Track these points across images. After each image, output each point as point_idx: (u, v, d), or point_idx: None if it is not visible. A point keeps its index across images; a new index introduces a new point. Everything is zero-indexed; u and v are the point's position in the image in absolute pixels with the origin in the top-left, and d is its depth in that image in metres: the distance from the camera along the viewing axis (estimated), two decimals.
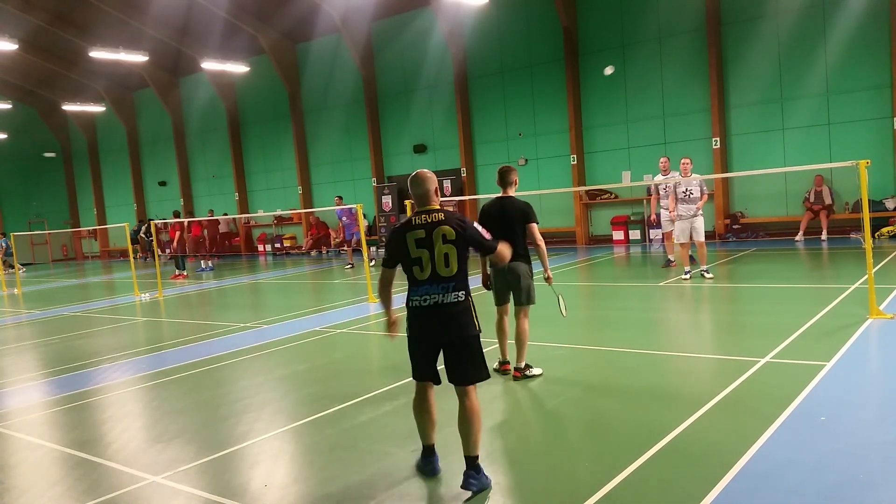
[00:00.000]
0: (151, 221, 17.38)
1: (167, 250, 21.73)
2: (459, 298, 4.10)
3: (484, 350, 4.22)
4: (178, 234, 20.10)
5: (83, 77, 29.36)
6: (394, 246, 4.18)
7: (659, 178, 13.26)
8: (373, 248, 22.46)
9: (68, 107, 29.33)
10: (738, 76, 17.21)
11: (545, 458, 4.50)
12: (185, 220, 20.54)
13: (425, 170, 4.31)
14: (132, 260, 17.77)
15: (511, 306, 6.36)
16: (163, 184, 31.47)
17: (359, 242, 17.95)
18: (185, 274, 20.04)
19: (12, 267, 23.36)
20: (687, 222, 11.36)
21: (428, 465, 4.30)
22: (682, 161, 11.66)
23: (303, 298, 14.08)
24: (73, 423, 6.18)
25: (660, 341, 7.40)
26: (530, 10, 20.09)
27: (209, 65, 23.04)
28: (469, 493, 3.94)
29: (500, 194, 6.20)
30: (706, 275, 11.27)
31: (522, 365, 6.20)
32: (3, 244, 25.96)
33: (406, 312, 4.18)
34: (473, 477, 3.98)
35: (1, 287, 21.04)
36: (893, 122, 15.36)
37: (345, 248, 19.19)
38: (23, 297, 18.50)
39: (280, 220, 27.42)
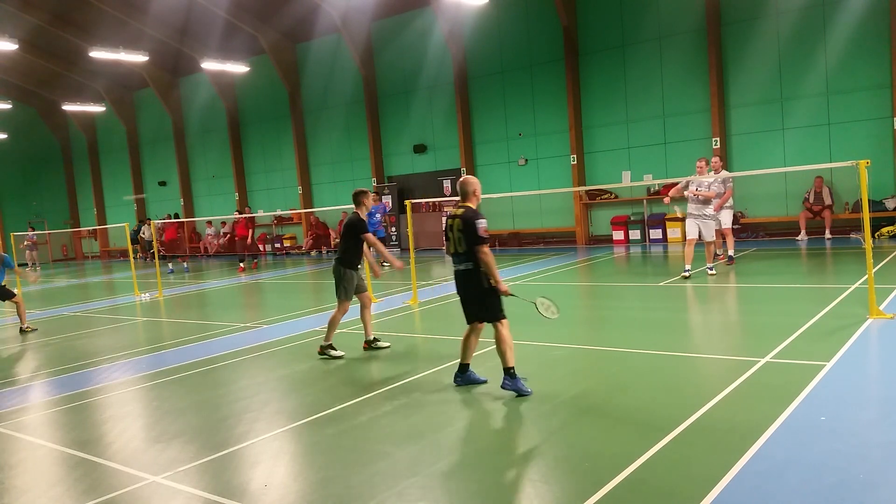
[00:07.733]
0: (151, 221, 17.38)
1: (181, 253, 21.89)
2: (469, 267, 5.80)
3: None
4: (250, 230, 20.69)
5: (83, 77, 29.36)
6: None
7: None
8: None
9: (68, 107, 29.30)
10: (738, 76, 17.20)
11: (545, 458, 4.50)
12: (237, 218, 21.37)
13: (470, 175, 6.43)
14: (132, 260, 17.77)
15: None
16: (163, 184, 31.46)
17: None
18: (256, 263, 21.05)
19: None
20: (694, 220, 11.39)
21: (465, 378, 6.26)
22: (698, 163, 11.70)
23: (303, 298, 14.08)
24: (73, 423, 6.18)
25: (660, 341, 7.39)
26: (530, 10, 20.08)
27: (209, 65, 23.02)
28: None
29: (355, 210, 8.02)
30: (710, 272, 11.45)
31: (371, 337, 8.06)
32: None
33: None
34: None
35: None
36: (893, 122, 15.36)
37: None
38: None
39: (280, 220, 27.43)
